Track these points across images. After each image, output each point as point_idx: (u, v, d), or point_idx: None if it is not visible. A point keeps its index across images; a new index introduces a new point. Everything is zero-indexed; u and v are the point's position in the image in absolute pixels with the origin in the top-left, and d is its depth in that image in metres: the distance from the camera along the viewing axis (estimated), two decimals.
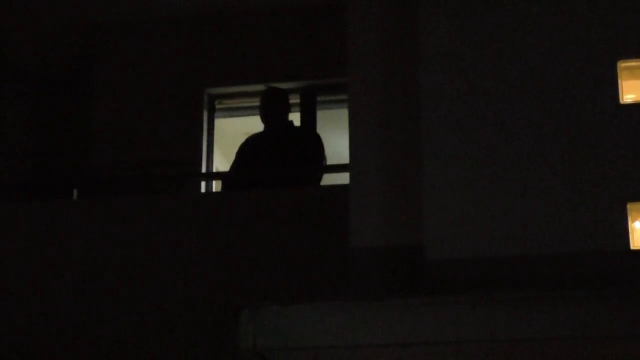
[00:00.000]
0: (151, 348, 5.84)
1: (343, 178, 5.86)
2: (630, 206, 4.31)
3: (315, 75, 7.65)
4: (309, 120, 7.68)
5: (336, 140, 7.28)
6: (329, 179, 6.94)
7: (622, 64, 4.51)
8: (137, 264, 6.03)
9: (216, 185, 7.77)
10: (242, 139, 7.11)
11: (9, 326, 6.05)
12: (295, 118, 7.69)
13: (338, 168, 6.78)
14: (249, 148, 6.82)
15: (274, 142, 6.77)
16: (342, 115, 6.94)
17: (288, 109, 6.98)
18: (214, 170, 7.89)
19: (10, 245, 6.24)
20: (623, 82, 4.50)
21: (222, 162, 8.53)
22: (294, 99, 7.75)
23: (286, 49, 7.71)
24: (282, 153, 6.69)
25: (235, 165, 6.81)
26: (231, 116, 8.07)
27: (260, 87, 7.35)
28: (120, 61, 7.94)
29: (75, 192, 6.84)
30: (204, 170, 7.67)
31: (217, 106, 7.90)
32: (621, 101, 4.46)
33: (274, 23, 7.80)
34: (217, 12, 7.81)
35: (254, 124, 7.94)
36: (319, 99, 7.75)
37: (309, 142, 6.80)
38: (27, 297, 6.09)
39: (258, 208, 6.06)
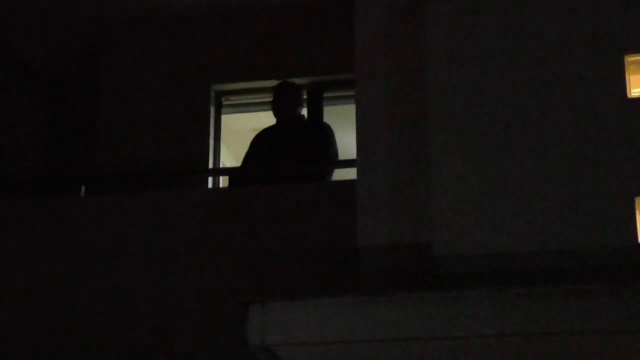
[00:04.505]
0: (159, 343, 5.85)
1: (351, 173, 5.86)
2: (638, 200, 4.30)
3: (322, 71, 7.65)
4: (316, 116, 7.68)
5: (344, 137, 7.28)
6: (337, 175, 6.95)
7: (629, 59, 4.51)
8: (144, 260, 6.04)
9: (223, 181, 7.78)
10: (249, 135, 7.11)
11: (17, 321, 6.06)
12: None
13: (345, 163, 6.78)
14: (261, 141, 6.87)
15: (286, 135, 6.82)
16: (349, 111, 6.94)
17: (300, 103, 7.05)
18: (221, 166, 7.90)
19: (18, 242, 6.25)
20: (630, 77, 4.50)
21: (228, 158, 8.54)
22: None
23: (293, 45, 7.71)
24: (294, 146, 6.73)
25: (247, 158, 6.85)
26: (238, 112, 8.08)
27: (267, 83, 7.36)
28: (128, 58, 7.94)
29: (82, 188, 6.86)
30: (210, 166, 7.68)
31: (224, 102, 7.91)
32: (628, 95, 4.46)
33: (280, 19, 7.79)
34: (223, 9, 7.81)
35: (260, 120, 7.94)
36: (326, 95, 7.75)
37: (319, 134, 6.84)
38: (35, 293, 6.10)
39: (265, 204, 6.07)
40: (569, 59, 4.54)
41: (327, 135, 6.84)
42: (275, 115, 7.01)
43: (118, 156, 7.66)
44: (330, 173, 6.85)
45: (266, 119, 7.46)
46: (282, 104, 6.99)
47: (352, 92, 6.71)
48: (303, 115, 7.04)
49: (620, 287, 3.79)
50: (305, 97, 7.70)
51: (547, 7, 4.64)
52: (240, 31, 7.81)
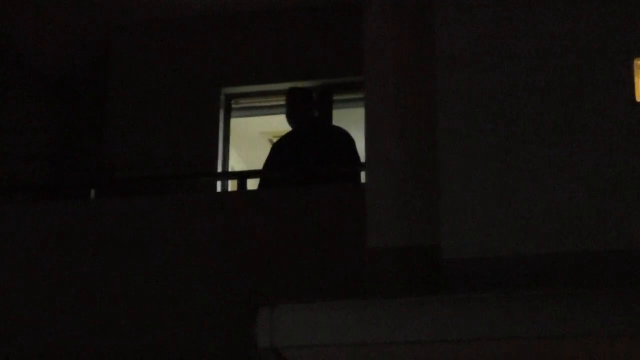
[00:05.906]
0: (168, 347, 5.86)
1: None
2: None
3: (331, 73, 7.65)
4: (326, 119, 7.68)
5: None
6: None
7: (638, 62, 4.51)
8: (153, 263, 6.06)
9: (232, 185, 7.79)
10: (258, 139, 7.11)
11: (23, 323, 6.08)
12: None
13: (355, 167, 6.78)
14: (287, 148, 6.83)
15: (312, 141, 6.79)
16: (358, 114, 6.95)
17: (314, 106, 7.02)
18: (230, 169, 7.90)
19: (29, 245, 6.27)
20: (639, 80, 4.49)
21: (238, 161, 8.54)
22: None
23: (302, 47, 7.72)
24: (318, 150, 6.72)
25: (271, 163, 6.82)
26: (247, 115, 8.08)
27: (276, 86, 7.36)
28: (136, 61, 7.96)
29: (92, 192, 6.88)
30: (220, 169, 7.69)
31: (233, 105, 7.92)
32: (637, 99, 4.45)
33: (290, 22, 7.80)
34: (232, 12, 7.82)
35: (270, 124, 7.96)
36: (335, 97, 7.75)
37: (345, 139, 6.83)
38: (46, 296, 6.12)
39: (275, 207, 6.08)
40: (577, 62, 4.54)
41: (351, 141, 6.84)
42: (292, 123, 6.96)
43: (127, 160, 7.68)
44: (359, 176, 6.83)
45: (275, 122, 7.47)
46: (298, 110, 6.94)
47: (361, 95, 6.73)
48: (317, 118, 7.01)
49: (629, 290, 3.79)
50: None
51: (555, 9, 4.64)
52: (250, 34, 7.82)
